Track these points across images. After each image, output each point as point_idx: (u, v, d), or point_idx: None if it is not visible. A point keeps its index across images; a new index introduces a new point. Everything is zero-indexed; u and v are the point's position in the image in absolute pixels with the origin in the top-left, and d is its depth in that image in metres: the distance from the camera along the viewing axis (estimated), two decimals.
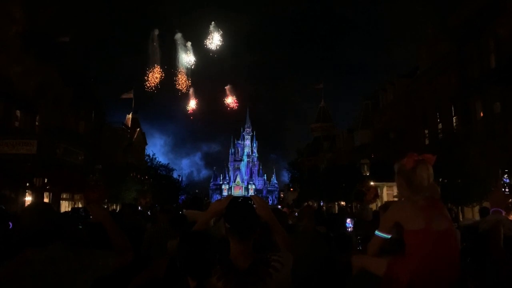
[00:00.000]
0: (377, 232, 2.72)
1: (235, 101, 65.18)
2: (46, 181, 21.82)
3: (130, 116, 53.25)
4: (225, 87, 66.63)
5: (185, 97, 57.75)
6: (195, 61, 53.66)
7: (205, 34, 53.07)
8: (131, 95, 52.43)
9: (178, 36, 53.84)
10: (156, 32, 53.53)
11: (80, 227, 3.70)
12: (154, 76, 49.79)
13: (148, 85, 49.70)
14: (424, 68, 26.41)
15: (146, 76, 49.81)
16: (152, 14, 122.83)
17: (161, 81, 50.60)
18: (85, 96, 32.05)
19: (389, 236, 2.64)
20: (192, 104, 58.71)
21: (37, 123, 26.14)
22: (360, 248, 5.39)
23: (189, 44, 53.28)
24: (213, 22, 53.71)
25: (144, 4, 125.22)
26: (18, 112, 24.39)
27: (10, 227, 4.86)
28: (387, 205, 3.18)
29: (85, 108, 33.26)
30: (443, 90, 23.37)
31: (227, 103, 64.86)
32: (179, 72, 52.68)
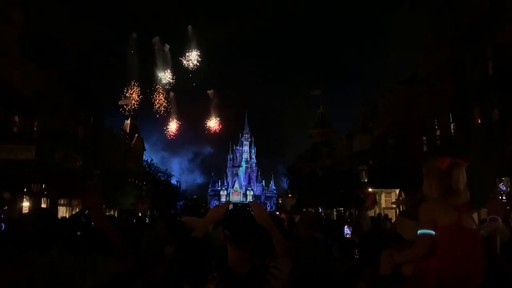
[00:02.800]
0: (420, 231, 2.62)
1: (219, 122, 62.46)
2: (44, 186, 21.78)
3: (128, 121, 53.23)
4: (208, 92, 64.39)
5: (166, 117, 55.33)
6: (173, 78, 52.04)
7: (183, 38, 51.76)
8: (129, 101, 52.34)
9: (156, 39, 52.51)
10: (134, 35, 52.07)
11: (79, 233, 3.70)
12: (132, 96, 47.88)
13: (125, 107, 47.64)
14: (423, 75, 26.49)
15: (123, 96, 47.25)
16: (131, 17, 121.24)
17: (139, 101, 48.58)
18: (84, 101, 32.05)
19: (434, 232, 2.57)
20: (172, 127, 55.64)
21: (35, 128, 26.11)
22: (357, 255, 5.39)
23: (167, 48, 52.12)
24: (190, 26, 52.53)
25: (124, 6, 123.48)
26: (16, 117, 24.38)
27: (3, 228, 4.85)
28: (407, 212, 3.15)
29: (84, 113, 33.28)
30: (442, 96, 23.42)
31: (209, 127, 61.89)
32: (157, 91, 51.00)
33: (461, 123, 21.80)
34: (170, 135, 55.73)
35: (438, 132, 24.73)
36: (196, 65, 50.43)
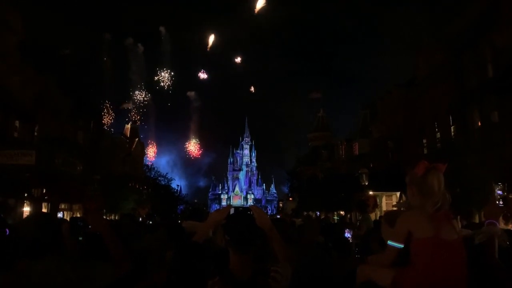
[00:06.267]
0: (389, 242, 2.66)
1: (198, 146, 61.71)
2: (44, 191, 21.77)
3: (129, 126, 53.26)
4: (188, 93, 63.94)
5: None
6: (148, 97, 51.23)
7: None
8: (130, 105, 52.41)
9: (130, 40, 52.08)
10: (108, 36, 51.45)
11: (80, 238, 3.70)
12: (107, 117, 46.76)
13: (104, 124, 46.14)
14: (421, 78, 26.52)
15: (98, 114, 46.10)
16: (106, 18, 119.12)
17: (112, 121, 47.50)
18: (84, 106, 32.13)
19: (402, 246, 2.59)
20: (150, 154, 54.10)
21: (36, 134, 26.14)
22: (358, 256, 5.39)
23: (141, 50, 51.92)
24: (161, 27, 52.34)
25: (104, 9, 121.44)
26: (16, 123, 24.41)
27: (7, 233, 4.83)
28: (390, 215, 3.16)
29: (84, 118, 33.33)
30: (441, 99, 23.44)
31: (189, 151, 61.06)
32: (132, 111, 49.80)
33: (461, 125, 21.81)
34: (150, 162, 54.45)
35: (438, 135, 24.73)
36: (169, 85, 50.45)
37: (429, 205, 2.60)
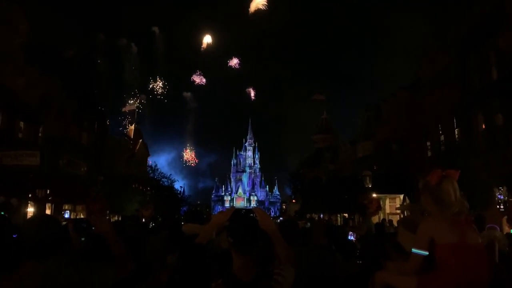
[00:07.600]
0: (414, 250, 2.68)
1: (194, 154, 62.74)
2: (48, 192, 21.84)
3: (132, 127, 53.35)
4: (184, 94, 64.64)
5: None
6: (143, 102, 51.36)
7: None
8: (133, 107, 52.52)
9: (123, 41, 52.28)
10: (102, 36, 51.54)
11: (83, 239, 3.72)
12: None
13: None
14: (425, 80, 26.43)
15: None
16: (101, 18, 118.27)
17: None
18: (88, 108, 32.22)
19: (427, 253, 2.61)
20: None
21: (40, 134, 26.23)
22: (360, 261, 5.37)
23: (135, 50, 52.24)
24: (154, 27, 52.62)
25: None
26: (21, 124, 24.51)
27: (14, 236, 4.87)
28: (408, 222, 3.16)
29: (88, 119, 33.42)
30: (445, 102, 23.34)
31: (186, 158, 61.99)
32: (127, 120, 49.62)
33: (465, 128, 21.73)
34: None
35: (442, 138, 24.64)
36: (163, 92, 50.92)
37: (448, 212, 2.63)
